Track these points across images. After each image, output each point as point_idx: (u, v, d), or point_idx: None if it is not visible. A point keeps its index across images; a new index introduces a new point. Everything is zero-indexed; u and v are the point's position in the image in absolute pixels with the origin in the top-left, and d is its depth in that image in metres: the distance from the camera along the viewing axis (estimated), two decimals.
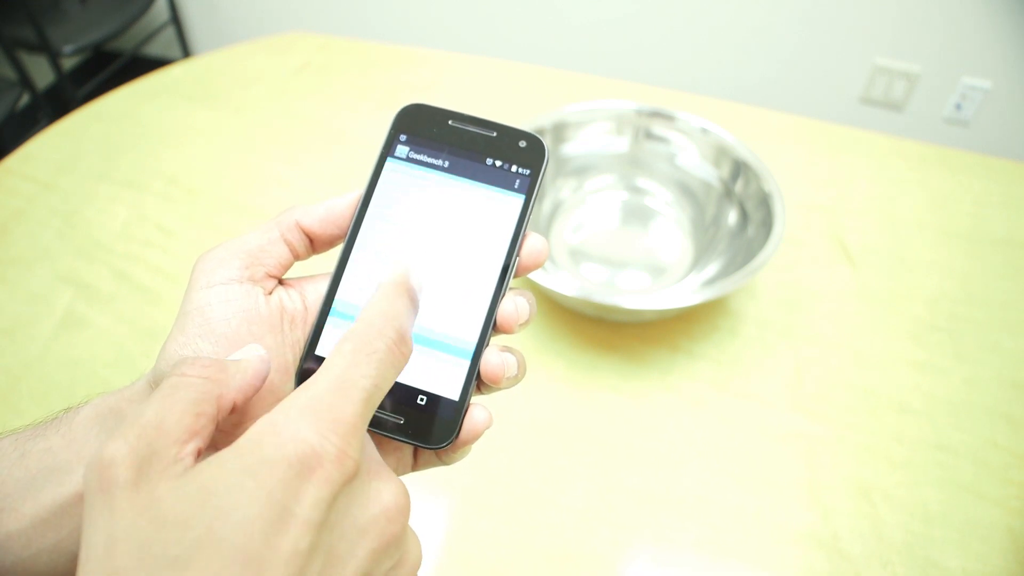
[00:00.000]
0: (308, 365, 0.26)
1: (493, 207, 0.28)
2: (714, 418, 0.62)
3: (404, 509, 0.22)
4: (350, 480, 0.20)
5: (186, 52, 2.25)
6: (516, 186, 0.28)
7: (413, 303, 0.25)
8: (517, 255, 0.28)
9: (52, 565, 0.25)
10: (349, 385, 0.21)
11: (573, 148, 0.79)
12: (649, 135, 0.79)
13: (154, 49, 2.33)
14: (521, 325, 0.27)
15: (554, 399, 0.63)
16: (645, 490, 0.57)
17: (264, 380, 0.24)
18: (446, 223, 0.28)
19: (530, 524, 0.55)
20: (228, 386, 0.22)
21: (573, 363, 0.66)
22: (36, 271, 0.74)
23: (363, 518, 0.21)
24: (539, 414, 0.62)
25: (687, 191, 0.78)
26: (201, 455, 0.20)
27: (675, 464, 0.59)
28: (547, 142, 0.29)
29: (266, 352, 0.25)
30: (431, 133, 0.29)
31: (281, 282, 0.28)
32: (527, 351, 0.66)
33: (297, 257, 0.28)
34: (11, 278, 0.74)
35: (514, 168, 0.28)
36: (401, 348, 0.23)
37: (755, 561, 0.53)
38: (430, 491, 0.57)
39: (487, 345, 0.27)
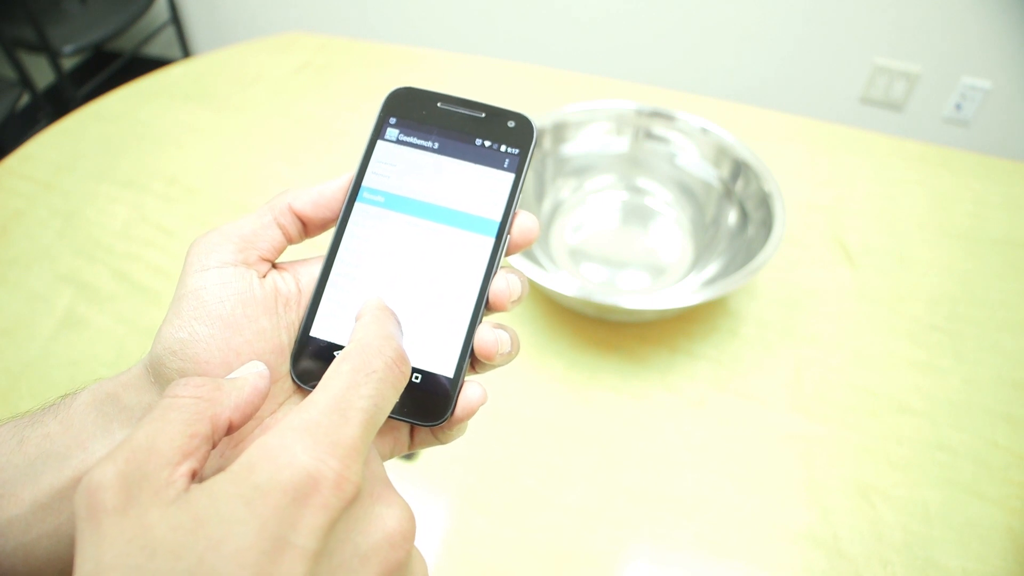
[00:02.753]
0: (303, 347, 0.27)
1: (483, 186, 0.28)
2: (714, 418, 0.62)
3: (409, 534, 0.22)
4: (350, 505, 0.19)
5: (186, 52, 2.25)
6: (505, 165, 0.29)
7: (399, 325, 0.26)
8: (508, 233, 0.28)
9: (52, 550, 0.25)
10: (347, 406, 0.21)
11: (573, 148, 0.79)
12: (649, 135, 0.79)
13: (154, 49, 2.33)
14: (513, 302, 0.28)
15: (554, 399, 0.63)
16: (644, 490, 0.57)
17: (264, 397, 0.23)
18: (437, 203, 0.28)
19: (529, 524, 0.55)
20: (223, 405, 0.22)
21: (573, 363, 0.66)
22: (36, 271, 0.74)
23: (365, 544, 0.20)
24: (539, 414, 0.62)
25: (687, 191, 0.78)
26: (196, 476, 0.20)
27: (674, 464, 0.59)
28: (535, 121, 0.30)
29: (266, 368, 0.24)
30: (420, 115, 0.29)
31: (275, 266, 0.28)
32: (527, 352, 0.66)
33: (290, 241, 0.28)
34: (11, 278, 0.74)
35: (503, 147, 0.29)
36: (401, 367, 0.23)
37: (754, 561, 0.53)
38: (429, 490, 0.57)
39: (480, 322, 0.27)
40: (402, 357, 0.23)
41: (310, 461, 0.19)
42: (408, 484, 0.57)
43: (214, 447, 0.21)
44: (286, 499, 0.18)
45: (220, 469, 0.20)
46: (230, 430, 0.22)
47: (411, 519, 0.22)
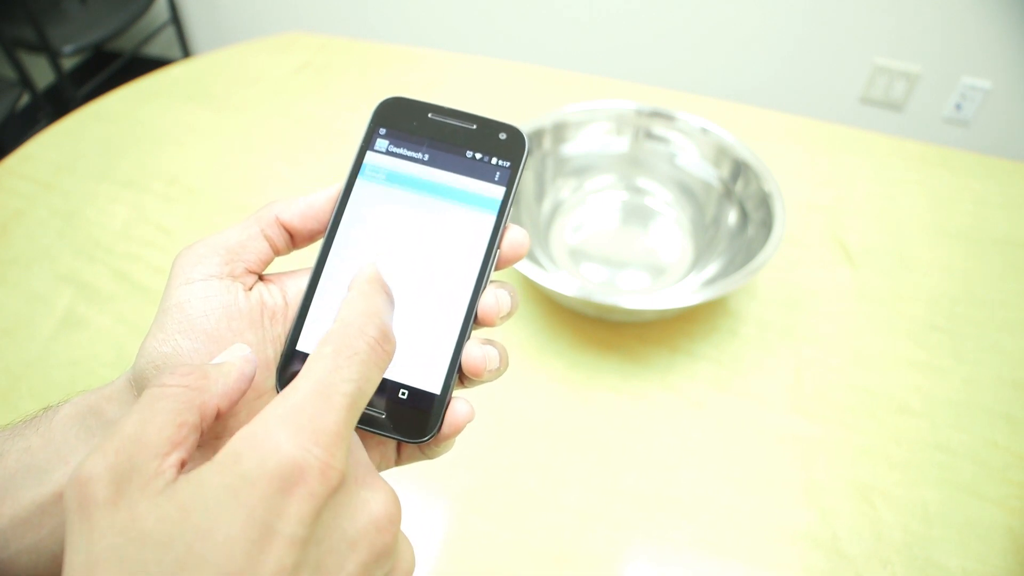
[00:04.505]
0: (289, 360, 0.26)
1: (473, 199, 0.28)
2: (714, 418, 0.62)
3: (395, 518, 0.22)
4: (335, 492, 0.19)
5: (186, 52, 2.25)
6: (496, 178, 0.28)
7: (390, 298, 0.24)
8: (498, 247, 0.28)
9: (33, 565, 0.25)
10: (331, 391, 0.20)
11: (573, 148, 0.79)
12: (649, 135, 0.79)
13: (154, 49, 2.33)
14: (502, 318, 0.27)
15: (554, 399, 0.63)
16: (644, 490, 0.57)
17: (250, 381, 0.23)
18: (426, 216, 0.28)
19: (528, 525, 0.55)
20: (211, 392, 0.22)
21: (573, 363, 0.66)
22: (36, 271, 0.74)
23: (352, 530, 0.20)
24: (539, 414, 0.62)
25: (687, 191, 0.78)
26: (185, 466, 0.20)
27: (674, 464, 0.59)
28: (527, 133, 0.29)
29: (251, 351, 0.24)
30: (411, 126, 0.29)
31: (261, 278, 0.27)
32: (527, 352, 0.66)
33: (277, 252, 0.28)
34: (11, 278, 0.74)
35: (494, 160, 0.28)
36: (384, 346, 0.22)
37: (754, 561, 0.53)
38: (428, 492, 0.57)
39: (468, 338, 0.27)
40: (385, 336, 0.22)
41: (295, 450, 0.19)
42: (407, 484, 0.57)
43: (202, 435, 0.21)
44: (272, 488, 0.18)
45: (206, 456, 0.20)
46: (217, 417, 0.22)
47: (396, 502, 0.22)
